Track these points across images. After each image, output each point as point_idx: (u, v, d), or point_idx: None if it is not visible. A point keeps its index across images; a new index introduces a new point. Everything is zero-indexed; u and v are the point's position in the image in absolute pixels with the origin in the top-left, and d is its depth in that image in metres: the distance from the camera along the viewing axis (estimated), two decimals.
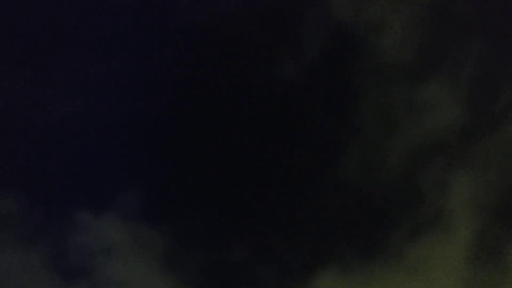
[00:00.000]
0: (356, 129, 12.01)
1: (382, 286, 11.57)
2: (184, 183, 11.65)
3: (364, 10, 12.19)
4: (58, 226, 10.93)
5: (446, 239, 11.83)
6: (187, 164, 11.69)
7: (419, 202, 11.98)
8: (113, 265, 11.02)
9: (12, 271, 10.52)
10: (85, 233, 11.02)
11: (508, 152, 12.14)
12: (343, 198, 11.85)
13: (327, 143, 11.95)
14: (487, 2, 12.46)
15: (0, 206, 10.62)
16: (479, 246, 11.80)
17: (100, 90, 11.52)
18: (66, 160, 11.08)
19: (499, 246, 11.82)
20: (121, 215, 11.21)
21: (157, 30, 11.79)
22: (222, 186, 11.77)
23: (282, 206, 11.78)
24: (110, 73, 11.53)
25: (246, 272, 11.35)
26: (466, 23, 12.38)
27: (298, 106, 12.03)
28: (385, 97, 12.18)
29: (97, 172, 11.21)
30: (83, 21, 11.51)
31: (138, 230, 11.27)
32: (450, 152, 12.14)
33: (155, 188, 11.49)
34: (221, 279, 11.24)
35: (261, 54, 11.96)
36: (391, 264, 11.68)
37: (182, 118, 11.76)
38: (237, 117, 11.87)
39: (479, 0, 12.47)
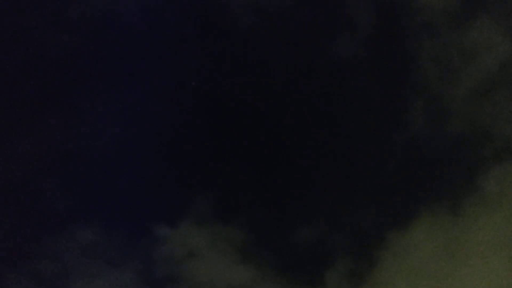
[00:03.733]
0: (418, 85, 12.11)
1: (471, 227, 11.51)
2: (249, 175, 12.04)
3: None
4: (140, 244, 11.54)
5: None
6: (249, 156, 12.09)
7: (490, 139, 11.91)
8: (197, 268, 11.48)
9: None
10: (167, 245, 11.57)
11: None
12: (416, 152, 12.02)
13: (392, 101, 12.22)
14: None
15: (82, 237, 11.35)
16: None
17: (152, 95, 12.11)
18: (132, 179, 11.73)
19: None
20: (196, 220, 11.71)
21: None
22: (285, 170, 12.09)
23: (352, 172, 12.00)
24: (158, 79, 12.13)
25: (321, 246, 11.55)
26: None
27: (358, 75, 12.25)
28: (438, 48, 12.19)
29: (165, 184, 11.78)
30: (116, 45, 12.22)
31: (214, 230, 11.71)
32: (510, 85, 12.13)
33: (223, 187, 11.93)
34: (298, 259, 11.49)
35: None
36: (476, 203, 11.64)
37: (240, 110, 12.21)
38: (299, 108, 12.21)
39: None
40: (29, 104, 11.60)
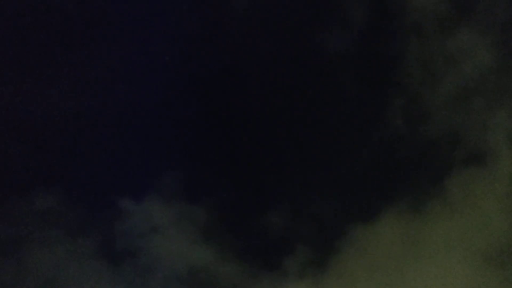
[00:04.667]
0: (400, 84, 12.33)
1: (432, 227, 11.63)
2: (219, 157, 11.96)
3: None
4: (102, 215, 11.33)
5: (490, 175, 11.89)
6: (221, 138, 12.02)
7: (462, 145, 12.07)
8: (158, 245, 11.33)
9: (61, 263, 10.95)
10: (129, 219, 11.39)
11: None
12: (389, 150, 12.23)
13: (373, 98, 12.34)
14: None
15: (42, 203, 11.10)
16: None
17: (130, 72, 11.94)
18: (101, 150, 11.53)
19: None
20: (162, 197, 11.56)
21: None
22: (256, 156, 12.05)
23: (322, 163, 12.03)
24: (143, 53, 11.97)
25: (283, 233, 11.54)
26: None
27: (343, 69, 12.33)
28: (424, 50, 12.36)
29: (134, 158, 11.62)
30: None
31: (180, 209, 11.58)
32: (488, 95, 12.23)
33: (192, 167, 11.82)
34: (260, 244, 11.45)
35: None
36: (439, 204, 11.76)
37: (214, 91, 12.13)
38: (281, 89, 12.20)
39: None
40: None
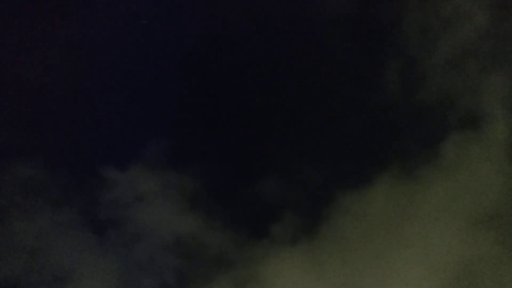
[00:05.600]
0: (396, 48, 12.05)
1: (425, 192, 11.38)
2: (206, 125, 11.66)
3: None
4: (86, 184, 11.03)
5: (484, 139, 11.66)
6: (208, 106, 11.71)
7: (456, 109, 11.79)
8: (143, 214, 11.04)
9: (44, 233, 10.65)
10: (114, 188, 11.09)
11: None
12: (383, 115, 11.92)
13: (369, 62, 12.04)
14: None
15: (23, 173, 10.78)
16: None
17: (114, 39, 11.60)
18: (83, 118, 11.21)
19: None
20: (147, 165, 11.26)
21: None
22: (243, 123, 11.75)
23: (313, 128, 11.73)
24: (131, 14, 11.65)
25: (273, 201, 11.27)
26: None
27: (338, 32, 12.01)
28: (420, 13, 12.15)
29: (118, 125, 11.31)
30: None
31: (165, 177, 11.28)
32: (483, 58, 12.09)
33: (178, 135, 11.51)
34: (247, 211, 11.18)
35: None
36: (433, 169, 11.51)
37: (204, 56, 11.79)
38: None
39: None
40: None
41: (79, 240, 10.71)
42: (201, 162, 11.36)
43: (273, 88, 11.87)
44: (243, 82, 11.79)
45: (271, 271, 11.07)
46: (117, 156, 11.14)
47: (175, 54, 11.80)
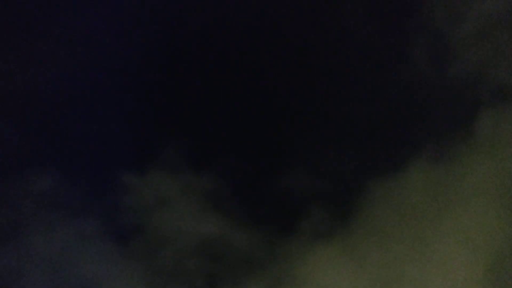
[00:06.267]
0: (423, 22, 11.57)
1: (461, 172, 10.78)
2: (223, 122, 11.25)
3: None
4: (105, 192, 10.70)
5: None
6: (223, 101, 11.31)
7: (488, 83, 11.23)
8: (166, 217, 10.65)
9: (67, 245, 10.35)
10: (134, 193, 10.74)
11: None
12: (413, 93, 11.34)
13: (394, 40, 11.56)
14: None
15: (39, 185, 10.51)
16: None
17: (129, 39, 11.32)
18: (98, 124, 10.92)
19: None
20: (167, 168, 10.88)
21: None
22: (261, 116, 11.32)
23: (341, 115, 11.21)
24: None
25: (300, 195, 10.75)
26: None
27: (364, 7, 11.59)
28: None
29: (134, 130, 10.99)
30: None
31: (185, 179, 10.89)
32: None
33: (195, 135, 11.13)
34: (271, 208, 10.70)
35: None
36: (467, 147, 10.91)
37: (217, 51, 11.44)
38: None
39: None
40: None
41: (103, 249, 10.37)
42: (221, 161, 10.94)
43: (293, 76, 11.41)
44: (261, 73, 11.35)
45: (306, 268, 10.58)
46: (135, 162, 10.80)
47: (188, 56, 11.46)
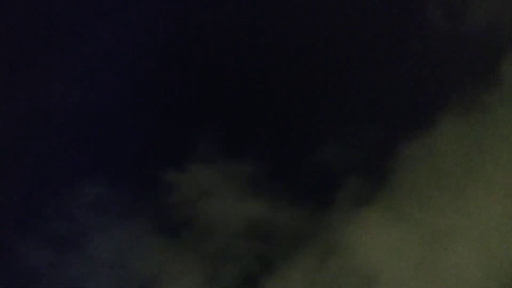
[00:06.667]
0: None
1: (494, 121, 10.78)
2: (252, 107, 11.62)
3: None
4: (151, 193, 11.29)
5: None
6: (250, 85, 11.65)
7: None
8: (210, 207, 11.17)
9: (122, 246, 11.01)
10: (178, 189, 11.30)
11: None
12: (433, 49, 11.44)
13: None
14: None
15: (91, 194, 11.20)
16: None
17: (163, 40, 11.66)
18: (133, 129, 11.49)
19: None
20: (204, 160, 11.39)
21: None
22: (288, 96, 11.63)
23: (363, 81, 11.37)
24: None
25: (330, 169, 11.02)
26: None
27: None
28: None
29: (168, 129, 11.50)
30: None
31: (224, 167, 11.37)
32: None
33: (227, 124, 11.56)
34: (309, 185, 11.00)
35: None
36: (498, 94, 10.91)
37: (240, 44, 11.76)
38: None
39: None
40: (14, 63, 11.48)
41: (156, 246, 10.98)
42: (256, 145, 11.34)
43: (315, 52, 11.65)
44: (285, 54, 11.66)
45: (353, 236, 10.85)
46: (175, 159, 11.33)
47: (216, 51, 11.87)
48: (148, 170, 11.34)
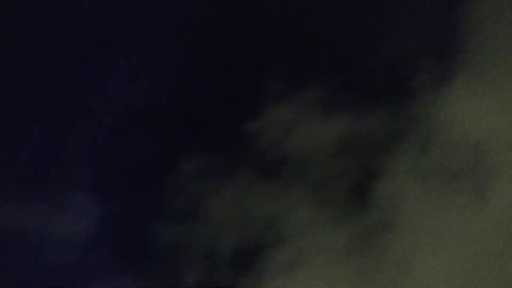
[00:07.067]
0: None
1: None
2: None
3: None
4: (243, 145, 11.95)
5: None
6: None
7: None
8: (301, 137, 11.95)
9: (238, 199, 11.68)
10: (265, 135, 11.93)
11: None
12: None
13: None
14: None
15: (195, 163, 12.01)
16: None
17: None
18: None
19: None
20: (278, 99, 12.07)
21: None
22: None
23: None
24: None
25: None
26: None
27: None
28: None
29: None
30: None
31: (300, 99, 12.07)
32: None
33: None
34: None
35: None
36: None
37: None
38: None
39: None
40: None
41: (265, 191, 11.78)
42: (321, 68, 11.82)
43: None
44: None
45: (449, 113, 11.11)
46: (252, 107, 11.95)
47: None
48: (232, 126, 11.95)
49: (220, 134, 11.96)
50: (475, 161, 10.62)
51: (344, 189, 11.42)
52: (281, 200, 11.50)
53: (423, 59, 11.38)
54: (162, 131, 11.96)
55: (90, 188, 11.47)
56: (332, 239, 11.07)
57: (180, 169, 11.71)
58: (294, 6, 12.09)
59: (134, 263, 11.14)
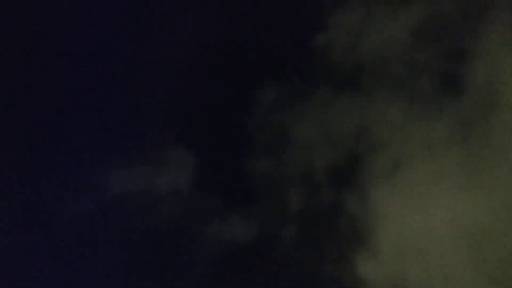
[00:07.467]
0: None
1: None
2: None
3: None
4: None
5: None
6: None
7: None
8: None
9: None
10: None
11: None
12: None
13: None
14: None
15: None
16: None
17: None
18: None
19: None
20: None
21: None
22: None
23: None
24: None
25: None
26: None
27: None
28: None
29: None
30: None
31: None
32: None
33: None
34: None
35: None
36: None
37: None
38: None
39: None
40: None
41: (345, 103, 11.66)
42: None
43: None
44: None
45: None
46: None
47: None
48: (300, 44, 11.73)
49: (289, 56, 11.68)
50: None
51: (433, 80, 10.78)
52: (368, 108, 11.20)
53: None
54: (233, 72, 11.90)
55: (183, 143, 11.80)
56: (430, 135, 10.62)
57: (260, 103, 11.68)
58: None
59: (238, 202, 11.37)
